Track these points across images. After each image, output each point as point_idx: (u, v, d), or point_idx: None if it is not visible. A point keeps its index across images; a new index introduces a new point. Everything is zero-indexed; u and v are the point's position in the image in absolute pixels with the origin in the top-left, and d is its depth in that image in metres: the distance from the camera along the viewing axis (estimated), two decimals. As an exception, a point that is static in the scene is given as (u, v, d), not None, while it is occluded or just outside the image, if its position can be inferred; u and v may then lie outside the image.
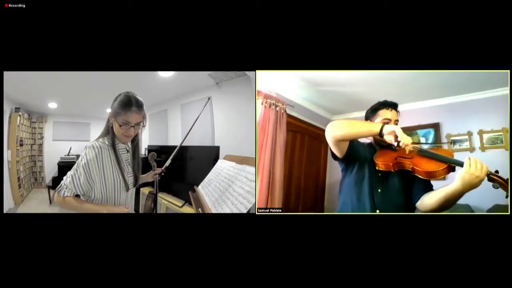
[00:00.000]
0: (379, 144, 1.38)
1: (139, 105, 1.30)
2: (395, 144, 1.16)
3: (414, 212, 1.34)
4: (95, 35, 1.56)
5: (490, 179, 1.13)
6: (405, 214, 1.36)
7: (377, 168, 1.32)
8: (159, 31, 1.57)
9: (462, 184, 1.09)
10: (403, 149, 1.26)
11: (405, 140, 1.14)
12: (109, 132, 1.34)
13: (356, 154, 1.37)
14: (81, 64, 1.58)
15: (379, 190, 1.32)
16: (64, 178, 1.29)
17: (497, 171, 1.13)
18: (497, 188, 1.13)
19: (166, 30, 1.57)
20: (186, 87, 3.35)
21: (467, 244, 1.49)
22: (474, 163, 1.08)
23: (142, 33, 1.57)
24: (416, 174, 1.23)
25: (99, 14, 1.55)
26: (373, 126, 1.22)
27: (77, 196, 1.30)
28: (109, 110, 1.35)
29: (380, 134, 1.18)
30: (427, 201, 1.25)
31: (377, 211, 1.31)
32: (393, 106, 1.39)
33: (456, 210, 2.40)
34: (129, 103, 1.28)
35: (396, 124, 1.37)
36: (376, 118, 1.40)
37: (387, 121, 1.36)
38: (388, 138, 1.18)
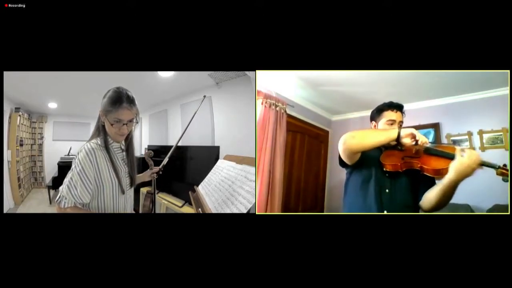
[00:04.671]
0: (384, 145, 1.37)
1: (131, 101, 1.22)
2: (414, 143, 1.18)
3: (419, 211, 1.34)
4: (95, 35, 1.56)
5: (499, 173, 1.15)
6: (404, 214, 1.36)
7: (384, 169, 1.30)
8: (159, 31, 1.57)
9: (455, 173, 1.11)
10: (410, 148, 1.26)
11: (423, 139, 1.17)
12: (100, 131, 1.26)
13: (364, 158, 1.35)
14: (81, 64, 1.57)
15: (387, 191, 1.31)
16: (61, 188, 1.22)
17: (505, 165, 1.15)
18: (507, 181, 1.15)
19: (166, 30, 1.57)
20: (186, 87, 3.36)
21: (467, 244, 1.49)
22: (465, 152, 1.12)
23: (142, 33, 1.57)
24: (425, 173, 1.22)
25: (99, 14, 1.55)
26: (390, 133, 1.22)
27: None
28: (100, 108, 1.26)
29: (398, 139, 1.19)
30: (428, 197, 1.25)
31: (385, 211, 1.30)
32: (398, 107, 1.39)
33: (456, 210, 2.41)
34: (119, 100, 1.19)
35: (401, 125, 1.37)
36: (380, 119, 1.40)
37: (391, 122, 1.36)
38: (406, 141, 1.19)
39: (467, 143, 2.71)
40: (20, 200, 3.89)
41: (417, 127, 2.91)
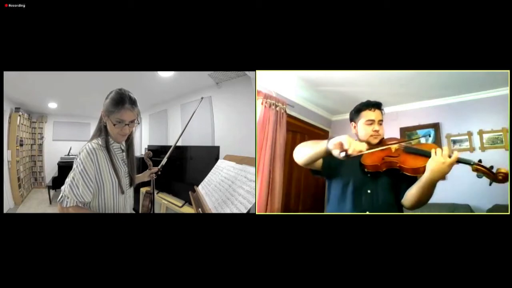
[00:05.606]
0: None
1: (133, 102, 1.25)
2: (343, 154, 1.07)
3: (403, 209, 1.34)
4: (95, 35, 1.56)
5: (474, 169, 1.15)
6: (405, 214, 1.36)
7: (366, 170, 1.29)
8: (159, 31, 1.57)
9: (430, 171, 1.12)
10: (389, 148, 1.26)
11: (355, 147, 1.07)
12: (102, 132, 1.28)
13: (337, 163, 1.29)
14: (81, 64, 1.57)
15: (369, 191, 1.30)
16: (63, 187, 1.24)
17: (480, 161, 1.15)
18: (481, 177, 1.15)
19: (166, 29, 1.57)
20: (186, 87, 3.36)
21: (467, 244, 1.49)
22: (439, 151, 1.12)
23: (142, 33, 1.57)
24: (404, 172, 1.22)
25: (99, 14, 1.55)
26: (319, 146, 1.17)
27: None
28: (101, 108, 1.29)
29: (327, 151, 1.14)
30: (408, 195, 1.25)
31: (367, 212, 1.29)
32: (376, 106, 1.36)
33: (456, 210, 2.41)
34: (122, 101, 1.22)
35: (381, 124, 1.35)
36: (359, 119, 1.37)
37: (370, 122, 1.34)
38: (336, 153, 1.10)
39: (467, 143, 2.71)
40: (20, 200, 3.89)
41: (417, 127, 2.95)
